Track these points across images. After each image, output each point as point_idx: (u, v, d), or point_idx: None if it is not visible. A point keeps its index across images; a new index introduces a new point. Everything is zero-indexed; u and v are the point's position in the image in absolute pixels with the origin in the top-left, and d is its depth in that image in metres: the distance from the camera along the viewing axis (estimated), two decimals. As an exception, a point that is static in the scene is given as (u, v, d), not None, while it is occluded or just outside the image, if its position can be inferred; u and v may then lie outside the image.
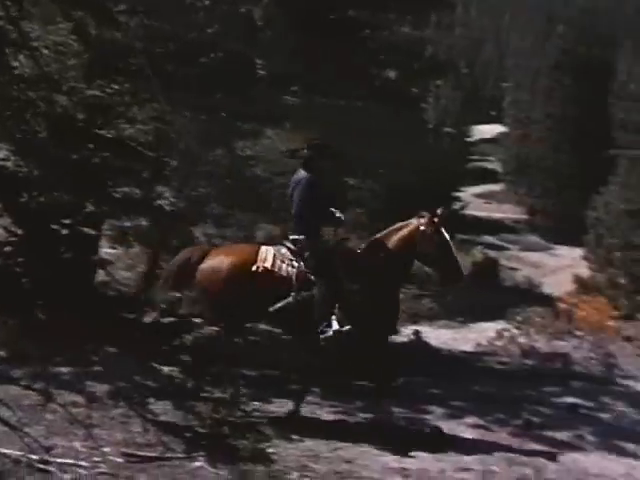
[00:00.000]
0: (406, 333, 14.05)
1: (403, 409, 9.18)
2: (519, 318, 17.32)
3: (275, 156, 11.87)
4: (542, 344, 14.80)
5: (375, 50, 12.82)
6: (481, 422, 8.91)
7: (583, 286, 32.04)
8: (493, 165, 66.86)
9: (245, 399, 8.65)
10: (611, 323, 17.35)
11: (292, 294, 8.42)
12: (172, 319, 10.98)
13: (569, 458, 8.22)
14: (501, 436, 8.68)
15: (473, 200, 55.74)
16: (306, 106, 11.73)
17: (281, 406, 8.81)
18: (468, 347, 14.34)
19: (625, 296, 30.66)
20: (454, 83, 49.92)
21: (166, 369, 9.33)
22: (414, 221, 8.61)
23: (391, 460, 7.64)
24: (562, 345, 14.87)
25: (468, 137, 60.63)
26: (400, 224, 8.72)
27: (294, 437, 7.93)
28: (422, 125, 21.27)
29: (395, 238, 8.60)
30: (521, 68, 69.21)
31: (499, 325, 15.41)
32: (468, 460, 7.79)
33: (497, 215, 54.59)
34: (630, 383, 12.26)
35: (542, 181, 54.38)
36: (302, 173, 8.77)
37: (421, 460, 7.73)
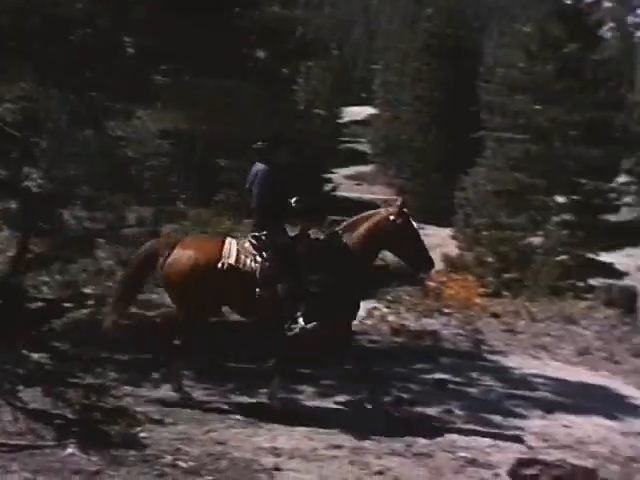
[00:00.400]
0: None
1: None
2: (389, 297, 17.58)
3: (146, 137, 11.67)
4: (412, 322, 15.06)
5: (245, 29, 12.71)
6: (351, 400, 9.01)
7: (452, 265, 32.78)
8: (363, 147, 67.59)
9: (116, 384, 8.56)
10: (478, 300, 17.77)
11: (257, 290, 8.43)
12: (41, 304, 10.71)
13: (438, 431, 8.43)
14: (372, 413, 8.79)
15: (344, 181, 56.29)
16: (177, 85, 11.58)
17: (154, 390, 8.75)
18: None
19: (492, 274, 31.54)
20: (324, 64, 50.16)
21: (35, 355, 9.10)
22: (382, 211, 8.73)
23: (263, 440, 7.68)
24: (431, 323, 15.16)
25: (339, 119, 61.15)
26: (368, 213, 8.85)
27: (167, 421, 7.89)
28: (293, 106, 21.26)
29: (362, 229, 8.68)
30: (390, 50, 70.05)
31: (369, 304, 15.56)
32: (339, 437, 7.91)
33: (368, 196, 55.14)
34: (497, 358, 12.61)
35: (411, 162, 55.26)
36: (259, 166, 8.77)
37: (293, 439, 7.79)
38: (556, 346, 14.24)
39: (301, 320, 8.33)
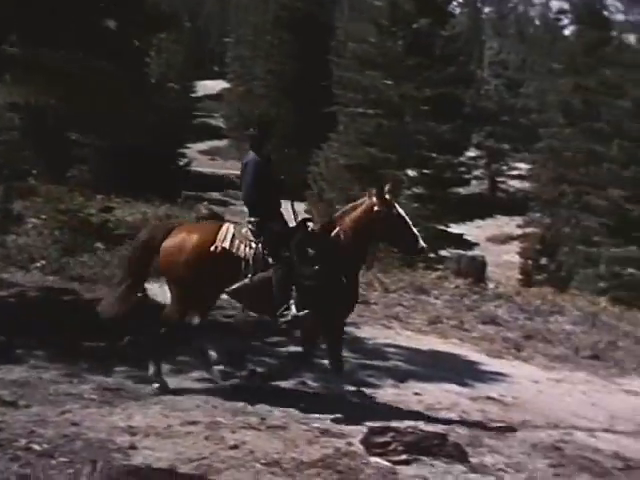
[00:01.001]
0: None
1: (130, 367, 9.12)
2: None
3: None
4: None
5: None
6: (206, 376, 8.97)
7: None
8: (217, 121, 67.12)
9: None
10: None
11: (249, 276, 8.37)
12: None
13: (292, 403, 8.50)
14: (226, 389, 8.80)
15: (198, 157, 55.86)
16: (27, 57, 11.19)
17: (7, 372, 8.52)
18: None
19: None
20: (176, 37, 49.44)
21: None
22: (366, 200, 8.57)
23: (118, 419, 7.57)
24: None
25: (192, 93, 60.46)
26: (353, 204, 8.71)
27: (21, 403, 7.69)
28: (145, 80, 20.84)
29: (348, 220, 8.55)
30: (243, 23, 69.58)
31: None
32: (194, 413, 7.87)
33: (222, 171, 54.90)
34: (350, 329, 12.69)
35: (265, 137, 55.12)
36: (250, 155, 8.74)
37: (148, 417, 7.71)
38: (408, 316, 14.57)
39: (294, 307, 8.33)
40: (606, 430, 9.10)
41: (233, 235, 8.54)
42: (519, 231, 47.48)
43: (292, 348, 10.86)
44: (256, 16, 61.60)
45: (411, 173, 34.57)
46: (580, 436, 8.58)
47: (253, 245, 8.47)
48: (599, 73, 46.39)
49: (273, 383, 9.09)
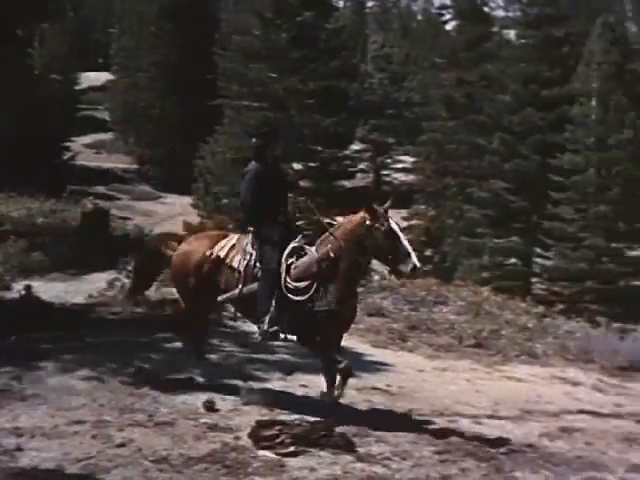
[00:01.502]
0: (17, 289, 13.60)
1: (15, 367, 8.96)
2: (129, 267, 17.32)
3: None
4: (152, 292, 14.91)
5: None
6: (94, 374, 8.88)
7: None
8: (102, 114, 65.97)
9: None
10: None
11: (239, 286, 8.37)
12: None
13: (180, 399, 8.49)
14: (114, 385, 8.73)
15: (83, 150, 54.85)
16: None
17: None
18: (80, 299, 14.15)
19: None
20: (60, 27, 48.42)
21: None
22: (360, 215, 8.30)
23: (4, 421, 7.47)
24: (171, 291, 15.02)
25: (76, 85, 59.30)
26: (348, 219, 8.50)
27: None
28: (28, 71, 20.40)
29: (341, 233, 8.35)
30: (127, 13, 68.35)
31: (110, 275, 15.33)
32: (81, 413, 7.79)
33: (107, 165, 54.13)
34: (237, 324, 12.75)
35: (150, 130, 54.53)
36: (251, 164, 8.64)
37: (35, 417, 7.61)
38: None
39: (267, 320, 8.27)
40: (490, 416, 9.34)
41: (232, 246, 8.61)
42: (404, 223, 48.17)
43: (179, 344, 10.84)
44: (141, 6, 60.57)
45: (297, 166, 34.74)
46: (465, 423, 8.78)
47: (247, 256, 8.47)
48: (481, 68, 47.45)
49: (160, 378, 9.05)
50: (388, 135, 61.46)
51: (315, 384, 9.34)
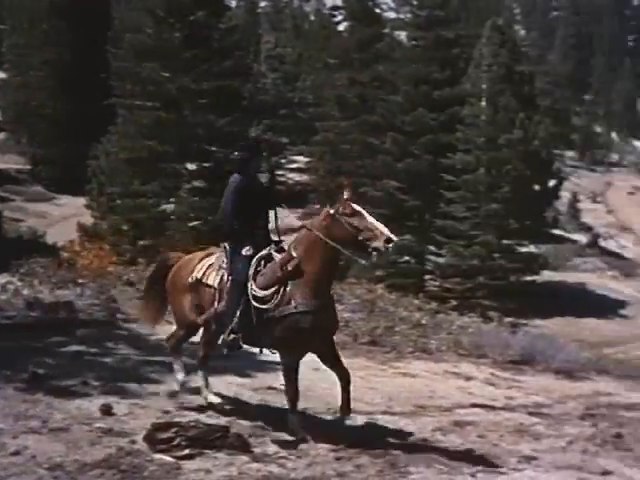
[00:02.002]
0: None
1: None
2: (22, 270, 17.02)
3: None
4: (46, 295, 14.71)
5: None
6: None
7: (87, 234, 32.35)
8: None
9: None
10: (112, 269, 17.73)
11: (215, 304, 8.21)
12: None
13: (75, 404, 8.40)
14: (8, 392, 8.58)
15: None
16: None
17: None
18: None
19: (128, 242, 31.54)
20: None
21: None
22: (324, 211, 8.07)
23: None
24: (66, 294, 14.87)
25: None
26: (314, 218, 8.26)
27: None
28: None
29: (305, 234, 8.11)
30: (18, 10, 66.61)
31: (3, 279, 15.04)
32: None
33: (0, 166, 52.96)
34: (132, 326, 12.68)
35: (43, 130, 53.48)
36: (235, 176, 8.37)
37: None
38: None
39: (227, 332, 8.11)
40: (384, 412, 9.49)
41: (211, 264, 8.47)
42: (299, 223, 48.31)
43: (74, 347, 10.73)
44: (31, 2, 59.15)
45: (191, 166, 34.57)
46: (359, 420, 8.90)
47: (221, 272, 8.33)
48: (373, 68, 47.99)
49: (53, 383, 8.94)
50: (282, 135, 61.59)
51: (212, 384, 9.34)
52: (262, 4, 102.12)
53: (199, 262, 8.64)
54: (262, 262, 8.14)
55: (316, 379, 10.41)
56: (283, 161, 62.58)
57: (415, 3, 47.57)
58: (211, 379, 9.09)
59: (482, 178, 41.61)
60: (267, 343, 8.21)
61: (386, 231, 7.68)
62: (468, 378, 12.31)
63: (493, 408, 10.46)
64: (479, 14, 76.20)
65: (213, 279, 8.39)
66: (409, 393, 10.71)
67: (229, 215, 8.31)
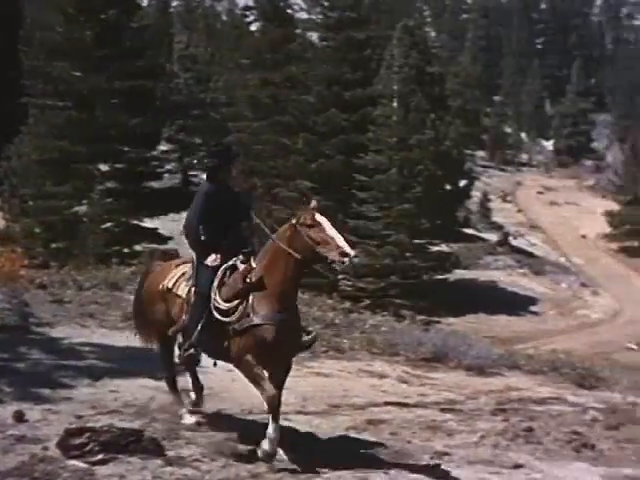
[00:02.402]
0: None
1: None
2: None
3: None
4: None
5: None
6: None
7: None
8: None
9: None
10: (24, 272, 17.45)
11: (183, 315, 7.94)
12: None
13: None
14: None
15: None
16: None
17: None
18: None
19: (41, 245, 31.06)
20: None
21: None
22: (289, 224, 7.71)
23: None
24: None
25: None
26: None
27: None
28: None
29: (270, 247, 7.77)
30: None
31: None
32: None
33: None
34: (45, 330, 12.54)
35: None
36: (203, 184, 8.13)
37: None
38: (103, 313, 14.49)
39: (185, 345, 7.93)
40: (298, 412, 9.57)
41: (184, 273, 8.20)
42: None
43: None
44: None
45: (104, 167, 34.19)
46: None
47: (190, 282, 8.05)
48: (285, 69, 48.02)
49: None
50: (195, 135, 61.18)
51: (126, 388, 9.33)
52: (174, 3, 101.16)
53: (172, 270, 8.39)
54: (227, 273, 7.86)
55: (229, 380, 10.43)
56: (196, 162, 62.19)
57: (326, 4, 47.84)
58: (125, 382, 9.07)
59: (394, 178, 42.02)
60: (229, 357, 7.84)
61: (342, 244, 7.41)
62: (381, 376, 12.47)
63: (406, 405, 10.63)
64: (390, 16, 76.83)
65: (182, 289, 8.11)
66: (323, 392, 10.79)
67: (194, 224, 8.01)
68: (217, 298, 7.70)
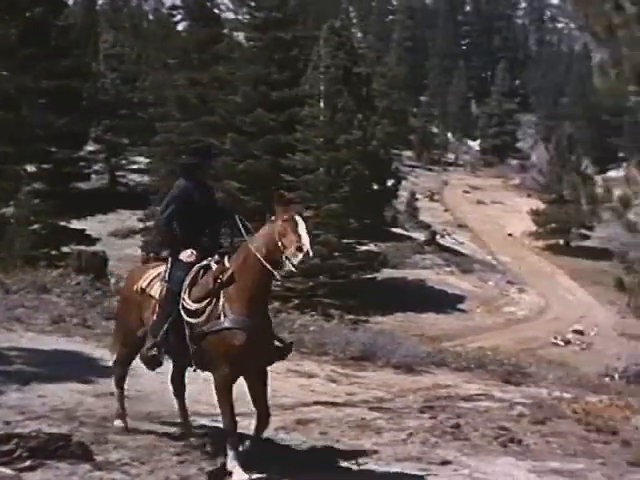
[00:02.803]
0: None
1: None
2: None
3: None
4: None
5: None
6: None
7: None
8: None
9: None
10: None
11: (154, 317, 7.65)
12: None
13: None
14: None
15: None
16: None
17: None
18: None
19: None
20: None
21: None
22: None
23: None
24: None
25: None
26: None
27: None
28: None
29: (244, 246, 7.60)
30: None
31: None
32: None
33: None
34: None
35: None
36: (179, 182, 7.88)
37: None
38: (30, 316, 14.29)
39: (148, 346, 7.70)
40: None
41: (158, 274, 7.91)
42: (141, 225, 47.89)
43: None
44: None
45: (30, 168, 33.74)
46: (204, 422, 8.96)
47: (163, 283, 7.75)
48: (212, 69, 47.89)
49: None
50: (122, 136, 60.69)
51: (54, 393, 9.26)
52: (100, 2, 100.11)
53: (147, 271, 8.15)
54: (201, 272, 7.65)
55: (159, 382, 10.41)
56: (124, 162, 61.69)
57: (253, 4, 47.84)
58: (53, 386, 9.00)
59: (322, 178, 42.21)
60: (197, 361, 7.59)
61: (302, 240, 7.09)
62: (310, 376, 12.56)
63: (335, 404, 10.74)
64: (317, 16, 77.15)
65: (156, 290, 7.84)
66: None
67: (163, 220, 7.89)
68: (186, 297, 7.48)
